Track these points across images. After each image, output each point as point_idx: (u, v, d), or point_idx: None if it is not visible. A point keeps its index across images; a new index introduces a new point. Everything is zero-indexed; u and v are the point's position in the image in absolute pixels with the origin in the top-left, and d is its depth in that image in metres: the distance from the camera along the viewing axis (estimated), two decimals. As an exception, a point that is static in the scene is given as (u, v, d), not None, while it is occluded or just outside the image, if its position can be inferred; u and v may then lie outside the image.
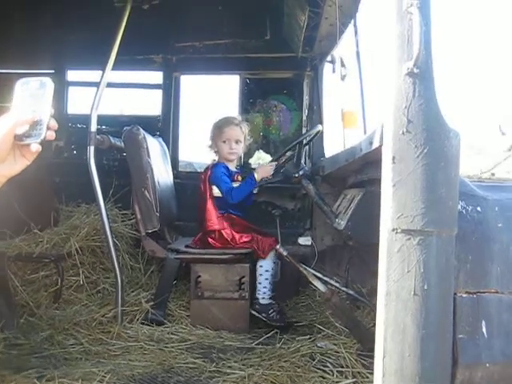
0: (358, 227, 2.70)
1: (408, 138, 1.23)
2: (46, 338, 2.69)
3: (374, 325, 2.60)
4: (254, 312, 3.06)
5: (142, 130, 2.99)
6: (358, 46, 3.03)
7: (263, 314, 3.05)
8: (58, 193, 3.88)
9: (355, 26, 2.98)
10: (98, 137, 2.90)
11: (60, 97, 4.24)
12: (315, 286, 2.72)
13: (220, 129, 3.29)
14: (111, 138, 3.03)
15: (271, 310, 3.07)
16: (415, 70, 1.21)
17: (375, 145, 1.68)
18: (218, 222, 3.11)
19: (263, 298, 3.09)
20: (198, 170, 4.40)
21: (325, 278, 2.76)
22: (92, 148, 2.84)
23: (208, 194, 3.17)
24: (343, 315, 2.65)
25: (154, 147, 3.22)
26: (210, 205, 3.15)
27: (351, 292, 2.72)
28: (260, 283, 3.10)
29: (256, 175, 3.13)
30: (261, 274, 3.10)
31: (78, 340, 2.68)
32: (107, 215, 2.88)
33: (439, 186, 1.24)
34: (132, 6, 3.29)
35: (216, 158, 3.37)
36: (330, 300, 2.55)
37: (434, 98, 1.24)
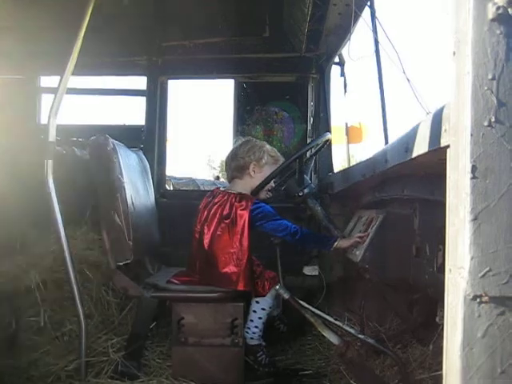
0: (377, 259, 2.20)
1: (499, 134, 0.69)
2: (-11, 398, 2.16)
3: (399, 381, 2.10)
4: None
5: (111, 139, 2.45)
6: (375, 32, 2.49)
7: (250, 357, 2.53)
8: (27, 215, 3.34)
9: (372, 7, 2.46)
10: (58, 148, 2.39)
11: (31, 105, 3.75)
12: (326, 336, 2.17)
13: (276, 161, 2.72)
14: (76, 149, 2.51)
15: (260, 353, 2.55)
16: (511, 12, 0.68)
17: (419, 150, 1.13)
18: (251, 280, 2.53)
19: (252, 339, 2.56)
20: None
21: (337, 323, 2.21)
22: (50, 162, 2.32)
23: (246, 242, 2.49)
24: (358, 371, 2.11)
25: (129, 161, 2.67)
26: (247, 258, 2.50)
27: (370, 341, 2.16)
28: (252, 321, 2.57)
29: (337, 243, 2.42)
30: (255, 311, 2.58)
31: (29, 403, 2.15)
32: (68, 244, 2.35)
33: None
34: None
35: (235, 186, 2.71)
36: (344, 355, 2.02)
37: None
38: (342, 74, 3.51)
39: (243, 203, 2.52)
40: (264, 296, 2.57)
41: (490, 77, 0.70)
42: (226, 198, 2.58)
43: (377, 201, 2.35)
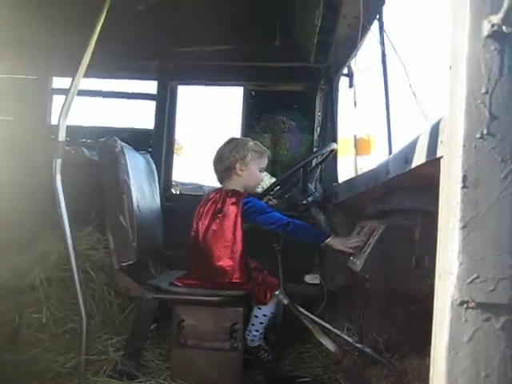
0: (377, 269, 2.21)
1: (490, 146, 0.72)
2: (-11, 393, 2.18)
3: (394, 392, 2.11)
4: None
5: (120, 141, 2.50)
6: (383, 44, 2.53)
7: (253, 357, 2.61)
8: (34, 213, 3.38)
9: (380, 20, 2.49)
10: (67, 148, 2.43)
11: (42, 106, 3.80)
12: (323, 343, 2.19)
13: (261, 154, 2.76)
14: (85, 150, 2.56)
15: (262, 352, 2.62)
16: (505, 29, 0.71)
17: (417, 162, 1.16)
18: (246, 272, 2.58)
19: (252, 341, 2.62)
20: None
21: (335, 331, 2.23)
22: (59, 161, 2.36)
23: (239, 236, 2.54)
24: (355, 379, 2.13)
25: (136, 164, 2.72)
26: (241, 250, 2.54)
27: (367, 350, 2.18)
28: (253, 325, 2.62)
29: (330, 240, 2.47)
30: (256, 316, 2.62)
31: (28, 397, 2.17)
32: (73, 242, 2.38)
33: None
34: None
35: (228, 185, 2.75)
36: (340, 362, 2.03)
37: (537, 78, 0.73)
38: (351, 86, 3.53)
39: (234, 198, 2.57)
40: (265, 304, 2.58)
41: (483, 91, 0.73)
42: (219, 194, 2.64)
43: (379, 211, 2.36)
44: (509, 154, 0.72)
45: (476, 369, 0.71)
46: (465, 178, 0.72)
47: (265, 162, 2.79)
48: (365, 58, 3.18)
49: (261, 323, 2.61)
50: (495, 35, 0.72)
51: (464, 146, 0.72)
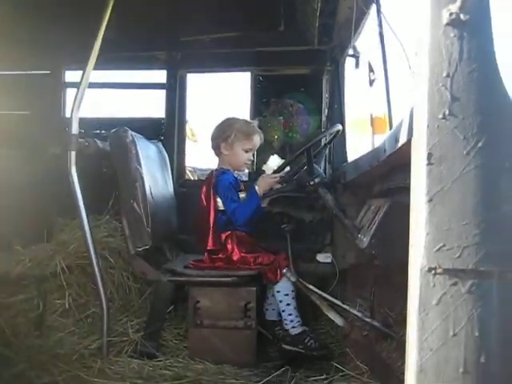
0: (383, 245, 2.27)
1: (452, 125, 0.79)
2: (18, 374, 2.29)
3: (403, 363, 2.18)
4: (287, 347, 2.60)
5: (130, 132, 2.58)
6: (381, 26, 2.56)
7: (300, 346, 2.57)
8: (53, 204, 3.50)
9: (378, 3, 2.52)
10: (81, 140, 2.53)
11: (56, 99, 3.90)
12: (331, 318, 2.27)
13: (247, 135, 2.85)
14: (98, 142, 2.65)
15: (307, 339, 2.58)
16: (462, 17, 0.77)
17: (402, 141, 1.23)
18: (224, 240, 2.70)
19: (293, 327, 2.60)
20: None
21: (344, 306, 2.30)
22: (73, 153, 2.46)
23: (212, 206, 2.73)
24: (365, 353, 2.20)
25: (148, 152, 2.80)
26: (213, 220, 2.72)
27: (376, 324, 2.25)
28: (284, 311, 2.62)
29: (257, 188, 2.70)
30: (281, 301, 2.63)
31: (54, 377, 2.27)
32: (90, 231, 2.48)
33: (503, 200, 0.79)
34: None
35: (219, 163, 2.93)
36: (348, 336, 2.11)
37: (493, 61, 0.79)
38: (357, 66, 3.54)
39: (216, 173, 2.79)
40: (278, 282, 2.61)
41: (444, 75, 0.79)
42: (211, 174, 2.85)
43: (385, 190, 2.41)
44: (470, 132, 0.78)
45: (445, 328, 0.79)
46: (430, 156, 0.79)
47: (252, 143, 2.87)
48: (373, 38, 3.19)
49: (288, 305, 2.61)
50: (454, 23, 0.78)
51: (428, 126, 0.79)
